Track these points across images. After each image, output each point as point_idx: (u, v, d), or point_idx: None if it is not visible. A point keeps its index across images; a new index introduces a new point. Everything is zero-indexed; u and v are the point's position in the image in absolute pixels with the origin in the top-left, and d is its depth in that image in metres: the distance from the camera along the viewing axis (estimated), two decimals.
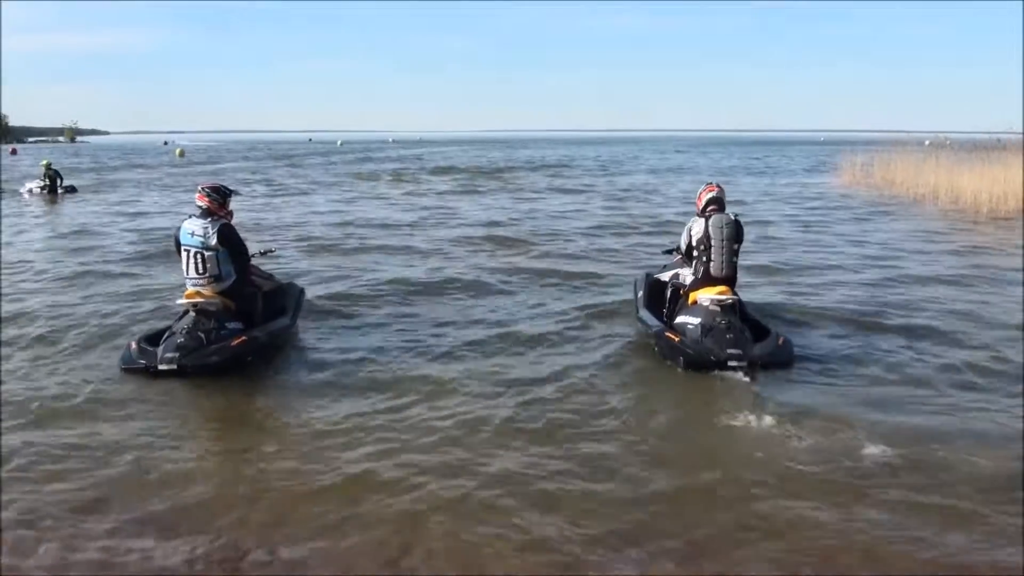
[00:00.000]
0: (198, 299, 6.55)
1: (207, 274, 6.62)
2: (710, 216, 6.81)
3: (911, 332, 7.48)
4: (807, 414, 5.34)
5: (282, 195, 24.02)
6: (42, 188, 23.80)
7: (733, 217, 6.84)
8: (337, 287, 9.71)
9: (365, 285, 9.77)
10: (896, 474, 4.53)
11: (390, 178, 31.77)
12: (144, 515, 4.14)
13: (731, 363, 6.19)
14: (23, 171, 35.25)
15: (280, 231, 15.04)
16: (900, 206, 19.19)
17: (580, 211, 18.81)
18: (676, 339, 6.46)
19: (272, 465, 4.79)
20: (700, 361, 6.29)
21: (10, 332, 7.59)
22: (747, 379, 6.07)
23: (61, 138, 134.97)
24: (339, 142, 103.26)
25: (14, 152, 62.84)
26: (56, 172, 24.50)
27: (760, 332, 6.76)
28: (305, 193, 24.81)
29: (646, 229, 15.02)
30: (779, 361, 6.42)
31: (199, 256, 6.60)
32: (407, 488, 4.39)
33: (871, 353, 6.83)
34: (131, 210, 19.59)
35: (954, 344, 7.12)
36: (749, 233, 8.13)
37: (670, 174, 34.56)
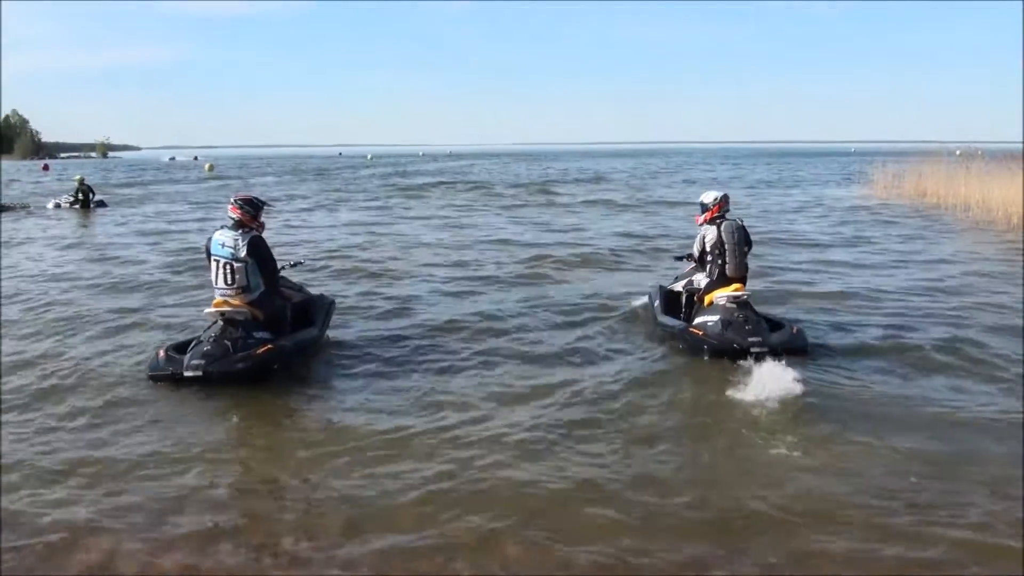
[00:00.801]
0: (225, 308, 6.62)
1: (235, 285, 6.69)
2: (720, 223, 7.31)
3: (953, 361, 7.09)
4: (839, 439, 5.24)
5: (313, 210, 24.06)
6: (72, 203, 24.35)
7: (740, 223, 7.39)
8: (366, 306, 9.51)
9: (395, 306, 9.48)
10: (928, 499, 4.43)
11: (425, 193, 31.38)
12: (192, 532, 4.14)
13: (753, 349, 6.60)
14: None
15: (311, 247, 14.83)
16: (931, 219, 18.89)
17: (620, 226, 18.41)
18: (700, 333, 6.96)
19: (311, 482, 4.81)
20: (724, 350, 6.75)
21: (45, 365, 7.11)
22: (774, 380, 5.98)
23: (93, 153, 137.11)
24: (369, 156, 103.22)
25: (46, 168, 62.70)
26: (88, 187, 25.14)
27: (774, 325, 7.26)
28: (336, 208, 24.78)
29: (682, 241, 14.56)
30: (796, 348, 6.83)
31: (228, 267, 6.66)
32: (441, 519, 4.25)
33: (910, 375, 6.64)
34: (162, 228, 19.21)
35: (994, 365, 6.88)
36: (790, 253, 7.99)
37: (704, 187, 34.02)
